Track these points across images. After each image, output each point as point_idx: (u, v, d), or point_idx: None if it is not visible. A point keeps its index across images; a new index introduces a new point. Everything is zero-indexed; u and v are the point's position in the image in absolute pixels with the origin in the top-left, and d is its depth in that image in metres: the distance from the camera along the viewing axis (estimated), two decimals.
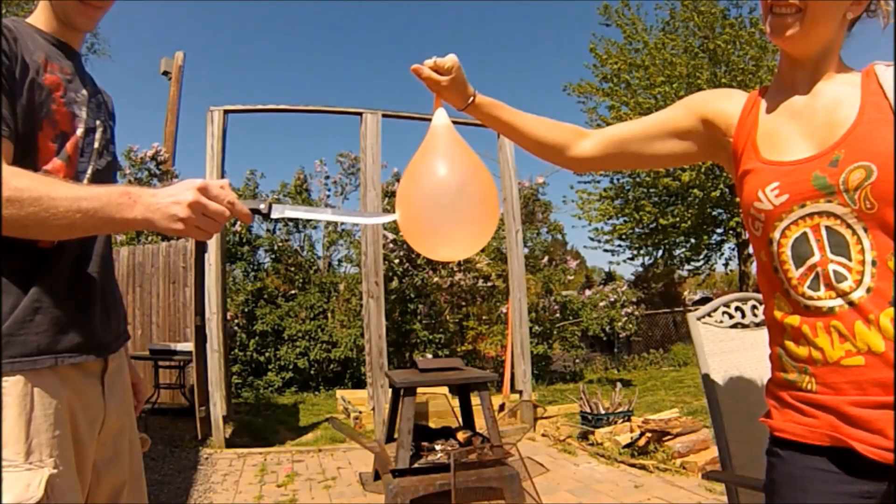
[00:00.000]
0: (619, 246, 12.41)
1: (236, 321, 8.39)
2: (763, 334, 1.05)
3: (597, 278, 17.56)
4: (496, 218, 1.15)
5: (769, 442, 0.99)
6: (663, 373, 9.62)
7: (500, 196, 6.02)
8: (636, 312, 9.31)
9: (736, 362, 1.52)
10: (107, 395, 1.07)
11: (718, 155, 1.11)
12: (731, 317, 1.58)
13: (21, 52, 0.95)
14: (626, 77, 11.10)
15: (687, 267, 13.23)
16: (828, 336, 0.89)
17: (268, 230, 9.65)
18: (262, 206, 0.99)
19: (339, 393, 7.03)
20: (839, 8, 0.94)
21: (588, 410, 4.93)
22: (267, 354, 8.31)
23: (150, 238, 7.42)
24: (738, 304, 1.60)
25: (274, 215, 1.00)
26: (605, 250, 12.56)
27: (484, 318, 9.07)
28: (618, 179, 12.06)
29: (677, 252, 12.68)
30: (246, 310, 8.55)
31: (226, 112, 5.21)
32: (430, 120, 1.13)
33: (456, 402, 3.92)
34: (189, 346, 5.28)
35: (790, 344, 0.94)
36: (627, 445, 4.26)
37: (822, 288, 0.89)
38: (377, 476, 3.61)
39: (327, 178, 10.29)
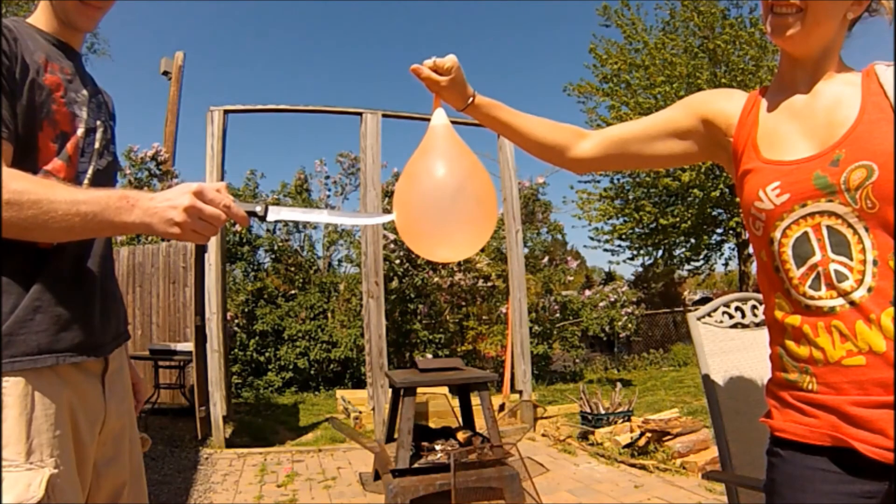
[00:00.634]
0: (619, 246, 12.42)
1: (236, 321, 8.39)
2: (763, 334, 1.05)
3: (597, 278, 17.56)
4: (494, 219, 1.15)
5: (770, 442, 0.99)
6: (663, 373, 9.62)
7: (499, 196, 6.02)
8: (636, 312, 9.31)
9: (736, 362, 1.52)
10: (107, 395, 1.07)
11: (718, 155, 1.11)
12: (731, 317, 1.58)
13: (21, 52, 0.95)
14: (626, 77, 11.10)
15: (687, 267, 13.24)
16: (829, 336, 0.89)
17: (268, 230, 9.65)
18: (259, 209, 0.99)
19: (339, 393, 7.03)
20: (840, 8, 0.94)
21: (588, 410, 4.93)
22: (267, 354, 8.30)
23: (150, 238, 7.42)
24: (738, 304, 1.60)
25: (270, 218, 1.00)
26: (605, 250, 12.58)
27: (484, 318, 9.07)
28: (618, 179, 12.06)
29: (677, 252, 12.68)
30: (246, 310, 8.55)
31: (226, 112, 5.21)
32: (429, 120, 1.13)
33: (456, 402, 3.92)
34: (189, 346, 5.28)
35: (791, 344, 0.94)
36: (627, 445, 4.27)
37: (823, 287, 0.89)
38: (377, 476, 3.61)
39: (327, 177, 10.30)
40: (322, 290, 8.96)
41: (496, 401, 5.51)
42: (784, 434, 0.94)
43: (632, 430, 4.44)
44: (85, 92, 1.08)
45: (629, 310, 9.06)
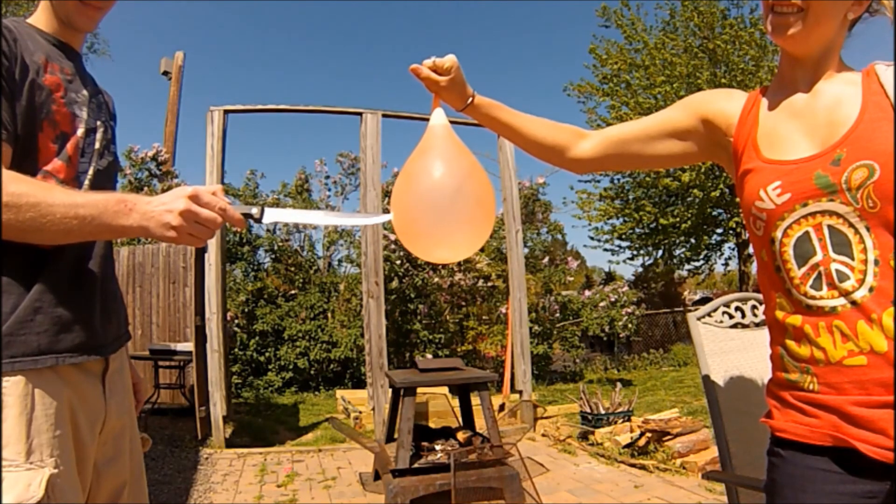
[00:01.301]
0: (619, 246, 12.42)
1: (236, 321, 8.39)
2: (763, 334, 1.05)
3: (597, 278, 17.56)
4: (493, 219, 1.14)
5: (770, 442, 0.99)
6: (663, 373, 9.62)
7: (499, 196, 6.02)
8: (636, 312, 9.30)
9: (736, 362, 1.52)
10: (107, 395, 1.07)
11: (719, 155, 1.11)
12: (731, 317, 1.58)
13: (21, 52, 0.95)
14: (626, 77, 11.10)
15: (687, 267, 13.24)
16: (830, 336, 0.89)
17: (268, 230, 9.64)
18: (255, 211, 0.98)
19: (339, 393, 7.03)
20: (840, 8, 0.94)
21: (588, 410, 4.93)
22: (267, 354, 8.30)
23: (150, 238, 7.40)
24: (738, 304, 1.60)
25: (266, 220, 0.99)
26: (605, 250, 12.58)
27: (484, 318, 9.07)
28: (618, 179, 12.07)
29: (677, 252, 12.68)
30: (246, 310, 8.55)
31: (226, 112, 5.21)
32: (429, 120, 1.13)
33: (456, 402, 3.92)
34: (189, 346, 5.28)
35: (792, 344, 0.94)
36: (627, 445, 4.26)
37: (825, 287, 0.89)
38: (377, 476, 3.61)
39: (327, 177, 10.30)
40: (322, 290, 8.95)
41: (496, 401, 5.51)
42: (785, 434, 0.94)
43: (632, 430, 4.44)
44: (85, 92, 1.08)
45: (629, 310, 9.06)
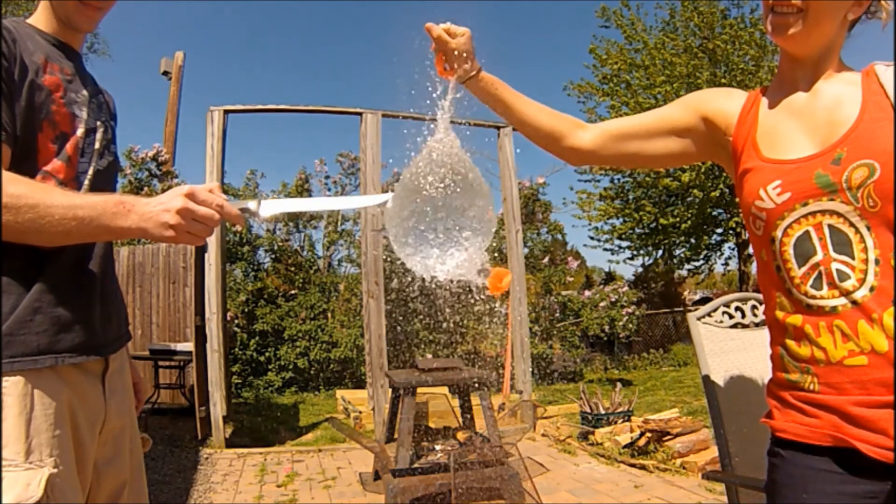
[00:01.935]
0: (619, 246, 12.42)
1: (236, 321, 8.38)
2: (763, 334, 1.05)
3: (597, 278, 17.55)
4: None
5: (770, 442, 0.99)
6: (663, 373, 9.62)
7: (499, 196, 6.02)
8: (637, 313, 9.30)
9: (736, 362, 1.52)
10: (107, 394, 1.07)
11: (718, 154, 1.11)
12: (731, 317, 1.58)
13: (20, 52, 0.95)
14: (626, 77, 11.10)
15: (687, 267, 13.24)
16: (830, 336, 0.89)
17: (268, 230, 9.64)
18: (252, 206, 0.98)
19: (339, 393, 7.03)
20: (840, 8, 0.94)
21: (588, 410, 4.93)
22: (267, 354, 8.30)
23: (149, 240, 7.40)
24: (738, 304, 1.60)
25: (264, 213, 0.99)
26: (605, 250, 12.58)
27: (484, 318, 9.06)
28: (618, 179, 12.07)
29: (677, 252, 12.68)
30: (246, 310, 8.54)
31: (226, 112, 5.21)
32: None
33: (456, 402, 3.92)
34: (189, 346, 5.28)
35: (792, 344, 0.94)
36: (627, 445, 4.26)
37: (825, 287, 0.89)
38: (377, 476, 3.61)
39: (327, 177, 10.29)
40: (322, 290, 8.95)
41: (496, 401, 5.51)
42: (785, 434, 0.94)
43: (632, 430, 4.44)
44: (85, 92, 1.08)
45: (630, 310, 9.05)
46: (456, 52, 1.10)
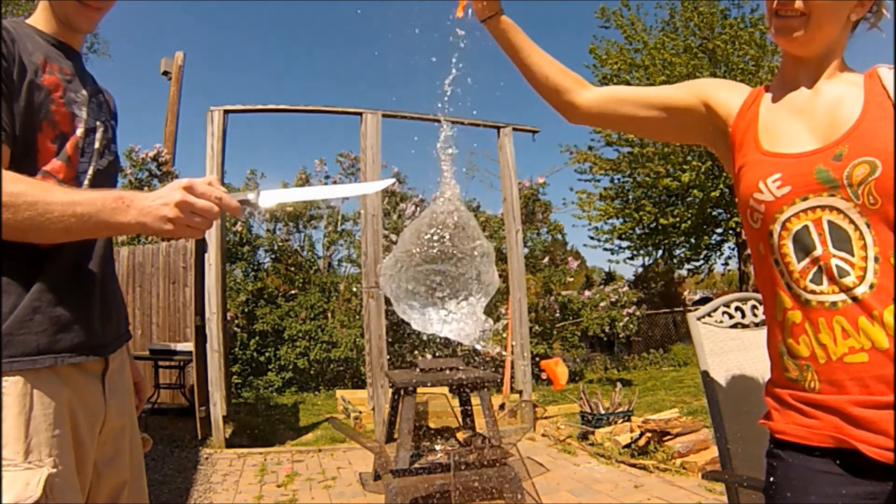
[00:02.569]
0: (619, 246, 12.42)
1: (236, 321, 8.38)
2: (763, 334, 1.05)
3: (597, 278, 17.55)
4: None
5: (769, 444, 0.98)
6: (663, 373, 9.61)
7: (499, 196, 6.02)
8: (637, 313, 9.29)
9: (736, 362, 1.52)
10: (107, 394, 1.07)
11: (716, 140, 1.11)
12: (731, 317, 1.58)
13: (19, 52, 0.95)
14: (626, 77, 11.09)
15: (687, 267, 13.24)
16: (830, 332, 0.88)
17: (268, 230, 9.64)
18: (251, 197, 0.97)
19: (339, 393, 7.03)
20: (843, 10, 0.95)
21: (588, 410, 4.93)
22: (267, 354, 8.30)
23: (150, 238, 7.41)
24: (738, 304, 1.60)
25: (263, 203, 0.98)
26: (605, 249, 12.58)
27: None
28: (618, 179, 12.07)
29: (677, 252, 12.68)
30: (246, 310, 8.54)
31: (226, 112, 5.21)
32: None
33: (456, 402, 3.92)
34: (189, 346, 5.28)
35: (791, 342, 0.94)
36: (627, 445, 4.26)
37: (825, 282, 0.89)
38: (377, 476, 3.61)
39: (327, 177, 10.28)
40: (322, 290, 8.95)
41: (496, 401, 5.51)
42: (785, 436, 0.93)
43: (632, 430, 4.44)
44: (84, 92, 1.08)
45: (630, 310, 9.04)
46: None
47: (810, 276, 0.90)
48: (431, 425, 3.85)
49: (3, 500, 0.84)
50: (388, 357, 5.19)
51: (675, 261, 12.97)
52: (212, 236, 4.93)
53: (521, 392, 5.57)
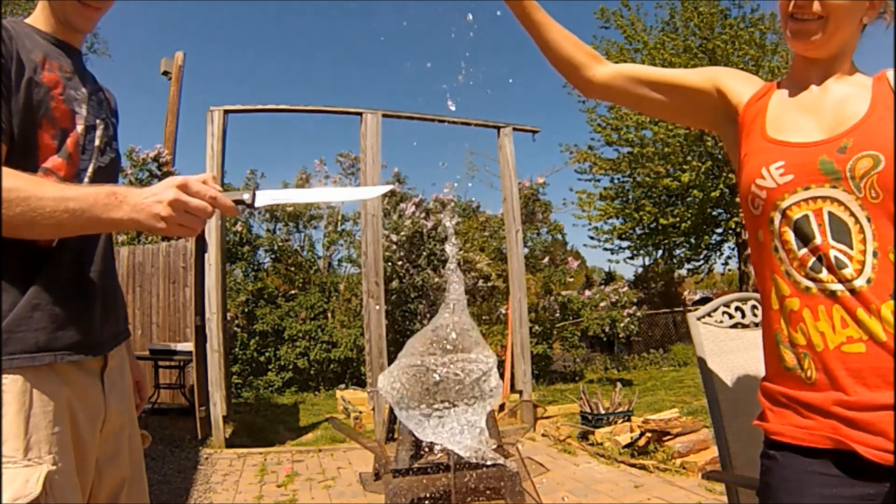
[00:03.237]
0: (619, 246, 12.42)
1: (236, 321, 8.38)
2: None
3: (597, 278, 17.56)
4: None
5: (763, 444, 0.98)
6: (663, 373, 9.61)
7: (499, 196, 6.02)
8: (638, 314, 9.29)
9: (736, 362, 1.52)
10: (107, 392, 1.07)
11: (725, 127, 1.11)
12: (731, 317, 1.58)
13: (17, 50, 0.95)
14: None
15: (687, 267, 13.24)
16: (829, 320, 0.88)
17: (268, 230, 9.64)
18: (247, 197, 0.96)
19: (339, 393, 7.03)
20: (858, 13, 0.96)
21: (588, 410, 4.92)
22: (267, 354, 8.30)
23: (150, 238, 7.41)
24: (738, 304, 1.59)
25: (259, 203, 0.97)
26: (605, 249, 12.58)
27: (484, 318, 9.06)
28: (618, 179, 12.07)
29: (677, 252, 12.68)
30: (246, 310, 8.54)
31: (226, 112, 5.21)
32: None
33: None
34: (189, 346, 5.28)
35: (789, 329, 0.93)
36: (627, 445, 4.26)
37: (825, 270, 0.89)
38: (377, 476, 3.61)
39: (327, 177, 10.28)
40: (322, 290, 8.95)
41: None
42: (781, 437, 0.93)
43: (632, 430, 4.44)
44: (84, 90, 1.08)
45: (631, 311, 9.04)
46: None
47: (810, 263, 0.90)
48: None
49: (2, 496, 0.84)
50: (388, 357, 5.19)
51: (675, 261, 12.97)
52: (212, 236, 4.93)
53: (521, 392, 5.57)
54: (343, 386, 8.05)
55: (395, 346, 8.19)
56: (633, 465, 3.99)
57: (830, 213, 0.89)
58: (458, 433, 1.10)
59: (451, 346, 1.10)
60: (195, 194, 0.89)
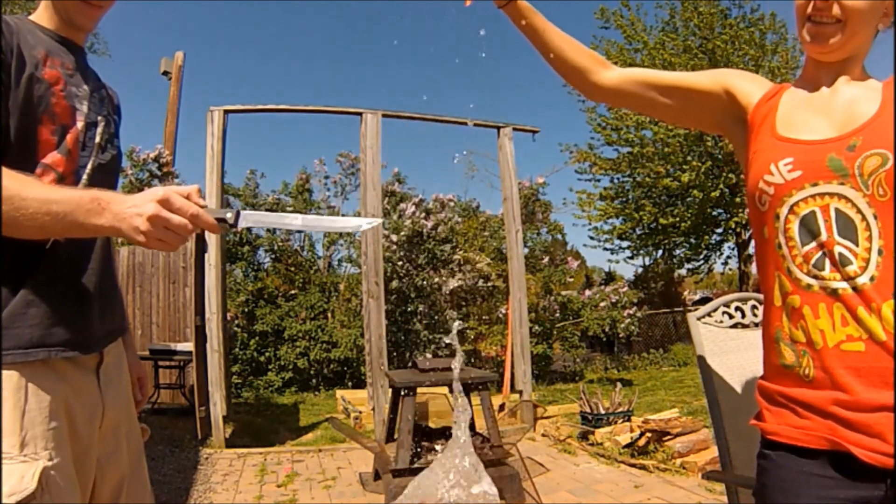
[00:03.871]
0: (619, 246, 12.42)
1: (236, 321, 8.38)
2: None
3: (597, 278, 17.56)
4: None
5: (760, 444, 0.98)
6: (663, 373, 9.61)
7: (499, 196, 6.02)
8: (638, 314, 9.29)
9: (736, 362, 1.52)
10: (103, 387, 1.07)
11: (734, 131, 1.11)
12: (731, 317, 1.58)
13: (19, 46, 0.95)
14: None
15: (687, 267, 13.24)
16: (830, 318, 0.88)
17: (268, 230, 9.63)
18: (229, 216, 0.94)
19: (339, 393, 7.03)
20: (875, 19, 0.96)
21: (588, 410, 4.92)
22: (267, 354, 8.30)
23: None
24: (738, 304, 1.59)
25: (241, 224, 0.96)
26: (605, 249, 12.59)
27: (484, 318, 9.07)
28: (618, 179, 12.07)
29: (677, 252, 12.69)
30: (246, 310, 8.54)
31: (226, 112, 5.21)
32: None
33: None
34: (189, 346, 5.28)
35: (789, 326, 0.94)
36: (627, 445, 4.26)
37: (828, 268, 0.89)
38: (377, 476, 3.61)
39: (327, 177, 10.28)
40: (322, 290, 8.95)
41: (496, 401, 5.51)
42: (777, 437, 0.93)
43: (632, 430, 4.44)
44: (86, 87, 1.08)
45: (631, 311, 9.04)
46: None
47: (814, 260, 0.90)
48: (431, 425, 3.85)
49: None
50: (388, 357, 5.19)
51: (675, 261, 12.98)
52: (212, 236, 4.94)
53: (521, 392, 5.57)
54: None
55: (394, 347, 8.21)
56: (633, 465, 3.99)
57: (837, 210, 0.89)
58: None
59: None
60: (177, 211, 0.86)
